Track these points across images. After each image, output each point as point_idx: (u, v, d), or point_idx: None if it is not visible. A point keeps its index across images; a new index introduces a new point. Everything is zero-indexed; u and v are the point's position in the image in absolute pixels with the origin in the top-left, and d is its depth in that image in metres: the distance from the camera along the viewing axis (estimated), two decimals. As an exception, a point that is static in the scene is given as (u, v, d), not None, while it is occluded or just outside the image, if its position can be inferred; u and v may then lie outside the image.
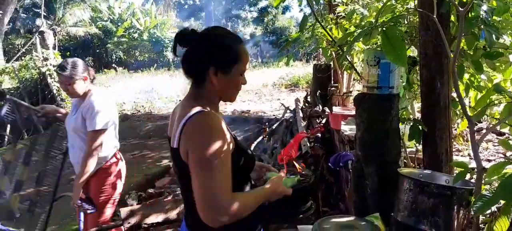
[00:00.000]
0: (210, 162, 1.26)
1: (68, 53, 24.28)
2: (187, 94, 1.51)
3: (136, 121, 11.38)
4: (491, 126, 2.16)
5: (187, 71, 1.47)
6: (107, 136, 2.87)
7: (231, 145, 1.36)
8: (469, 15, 1.84)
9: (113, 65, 27.25)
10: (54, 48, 12.59)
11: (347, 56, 3.06)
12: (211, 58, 1.40)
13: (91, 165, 2.81)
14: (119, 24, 28.74)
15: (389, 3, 2.02)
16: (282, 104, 8.52)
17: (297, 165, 2.09)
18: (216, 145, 1.27)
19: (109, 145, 2.96)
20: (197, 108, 1.36)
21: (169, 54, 28.84)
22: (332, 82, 5.72)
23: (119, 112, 12.69)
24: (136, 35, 28.87)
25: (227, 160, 1.31)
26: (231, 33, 1.50)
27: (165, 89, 16.45)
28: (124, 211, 4.04)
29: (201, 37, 1.44)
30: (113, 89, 16.61)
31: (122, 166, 3.17)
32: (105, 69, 25.97)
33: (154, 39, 28.66)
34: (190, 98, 1.47)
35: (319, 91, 5.52)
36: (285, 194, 1.57)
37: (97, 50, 28.98)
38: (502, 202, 1.45)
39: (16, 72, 11.47)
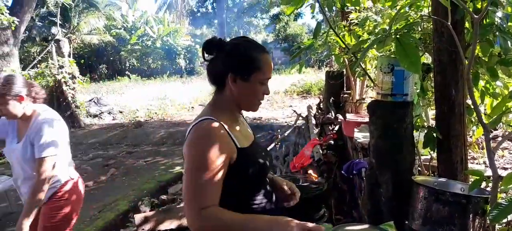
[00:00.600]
0: (191, 169, 1.34)
1: (83, 61, 24.68)
2: (210, 101, 1.56)
3: (150, 128, 11.48)
4: (507, 133, 2.14)
5: (209, 78, 1.52)
6: (59, 161, 2.41)
7: (226, 156, 1.37)
8: (484, 21, 1.83)
9: (127, 72, 27.60)
10: (69, 56, 12.79)
11: (361, 63, 3.05)
12: (230, 64, 1.44)
13: (40, 199, 2.32)
14: (132, 32, 29.13)
15: (402, 10, 2.01)
16: (294, 111, 8.50)
17: (311, 173, 2.09)
18: (202, 153, 1.32)
19: (62, 168, 2.48)
20: (204, 116, 1.42)
21: (182, 62, 29.11)
22: (345, 89, 5.70)
23: (132, 119, 12.90)
24: (149, 42, 29.21)
25: (212, 169, 1.32)
26: (255, 42, 1.53)
27: (178, 96, 16.60)
28: (138, 218, 4.08)
29: (224, 44, 1.48)
30: (127, 96, 16.82)
31: (79, 192, 2.63)
32: (118, 77, 26.33)
33: (167, 47, 28.96)
34: (209, 105, 1.53)
35: (332, 98, 5.51)
36: None
37: (111, 58, 29.39)
38: (519, 210, 1.43)
39: (32, 79, 11.68)
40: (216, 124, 1.39)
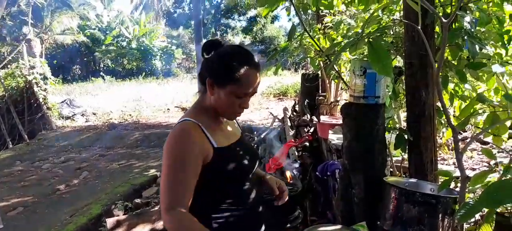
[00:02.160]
0: (164, 166, 1.36)
1: (55, 61, 24.05)
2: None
3: (124, 130, 11.29)
4: (475, 135, 2.20)
5: (198, 78, 1.57)
6: None
7: (199, 155, 1.38)
8: (453, 26, 1.88)
9: (101, 73, 27.02)
10: (41, 56, 12.48)
11: (334, 66, 3.09)
12: (209, 67, 1.45)
13: None
14: (107, 32, 28.56)
15: (375, 14, 2.05)
16: (271, 113, 8.52)
17: (287, 174, 2.10)
18: (175, 153, 1.36)
19: None
20: (185, 117, 1.46)
21: (158, 63, 28.73)
22: (320, 91, 5.75)
23: (106, 121, 12.65)
24: (124, 43, 28.70)
25: (183, 169, 1.35)
26: (247, 55, 1.47)
27: (153, 98, 16.38)
28: (110, 222, 3.99)
29: (215, 48, 1.48)
30: (101, 98, 16.49)
31: None
32: (92, 78, 25.74)
33: (142, 48, 28.50)
34: (194, 104, 1.55)
35: (307, 100, 5.55)
36: None
37: (85, 59, 28.74)
38: (486, 210, 1.47)
39: (2, 80, 11.32)
40: (191, 125, 1.42)
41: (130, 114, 13.76)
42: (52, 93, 14.48)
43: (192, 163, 1.36)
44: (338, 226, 1.77)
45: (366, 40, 1.58)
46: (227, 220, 1.47)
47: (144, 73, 27.07)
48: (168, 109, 14.83)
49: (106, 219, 4.10)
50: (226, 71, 1.41)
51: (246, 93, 1.44)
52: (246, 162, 1.55)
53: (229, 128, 1.63)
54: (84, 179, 6.59)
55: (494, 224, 1.45)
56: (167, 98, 16.56)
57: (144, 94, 17.15)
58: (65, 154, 8.68)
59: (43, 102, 11.61)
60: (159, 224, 4.07)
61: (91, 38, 27.65)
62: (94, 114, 13.92)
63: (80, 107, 14.13)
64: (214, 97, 1.46)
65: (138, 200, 5.22)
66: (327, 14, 3.80)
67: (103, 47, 28.16)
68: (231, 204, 1.50)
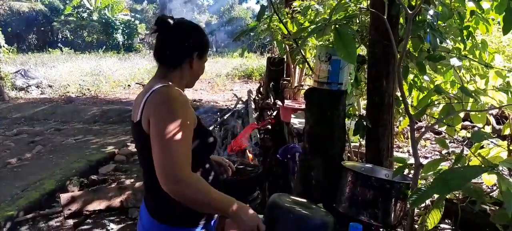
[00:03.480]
0: (172, 130, 1.25)
1: (10, 29, 22.74)
2: (153, 77, 1.49)
3: (81, 104, 10.91)
4: (430, 124, 2.30)
5: (160, 56, 1.47)
6: None
7: (194, 121, 1.37)
8: (417, 18, 1.93)
9: (59, 44, 25.86)
10: (-7, 22, 11.74)
11: (301, 50, 3.11)
12: (195, 44, 1.46)
13: None
14: (67, 2, 27.29)
15: (343, 1, 2.07)
16: (235, 95, 8.51)
17: (249, 155, 2.11)
18: (179, 115, 1.28)
19: None
20: (162, 84, 1.38)
21: (120, 37, 27.83)
22: (285, 76, 5.79)
23: (63, 94, 12.17)
24: (85, 15, 27.56)
25: (189, 133, 1.31)
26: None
27: (113, 73, 15.89)
28: (64, 197, 3.87)
29: (181, 24, 1.47)
30: (58, 70, 15.81)
31: None
32: (49, 49, 24.60)
33: (104, 20, 27.48)
34: (156, 79, 1.45)
35: (272, 83, 5.58)
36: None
37: (42, 28, 27.40)
38: (436, 196, 1.54)
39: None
40: (179, 90, 1.38)
41: (89, 89, 13.30)
42: (6, 63, 13.72)
43: (191, 124, 1.34)
44: (304, 199, 1.80)
45: (333, 26, 1.59)
46: None
47: (104, 47, 26.16)
48: (128, 85, 14.45)
49: (60, 195, 3.97)
50: (205, 42, 1.51)
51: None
52: (212, 139, 1.54)
53: None
54: (37, 153, 6.33)
55: (443, 209, 1.53)
56: (128, 74, 16.13)
57: (104, 68, 16.60)
58: (17, 127, 8.28)
59: (-6, 71, 10.99)
60: (116, 201, 4.00)
61: (50, 7, 26.37)
62: (50, 86, 13.35)
63: (35, 79, 13.50)
64: (194, 71, 1.49)
65: (94, 177, 5.09)
66: (295, -1, 3.80)
67: (62, 17, 26.94)
68: (207, 172, 1.51)
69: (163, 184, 1.24)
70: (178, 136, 1.25)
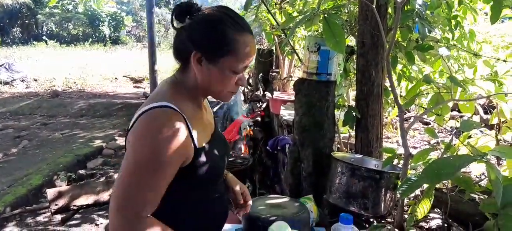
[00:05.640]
0: (135, 164, 1.06)
1: (-8, 21, 22.28)
2: (170, 77, 1.28)
3: (67, 98, 10.76)
4: (419, 114, 2.30)
5: (173, 52, 1.24)
6: None
7: (181, 157, 1.13)
8: (406, 8, 1.93)
9: (44, 37, 25.40)
10: (-26, 14, 11.47)
11: (289, 41, 3.09)
12: (195, 38, 1.16)
13: None
14: (51, -7, 26.79)
15: (331, -9, 2.05)
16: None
17: (241, 147, 2.08)
18: (154, 150, 1.06)
19: None
20: (162, 102, 1.13)
21: (106, 30, 27.45)
22: (274, 67, 5.77)
23: (48, 88, 11.98)
24: (70, 7, 27.09)
25: (162, 172, 1.08)
26: (238, 17, 1.20)
27: (100, 66, 15.69)
28: (51, 193, 3.82)
29: (196, 11, 1.18)
30: (43, 63, 15.55)
31: None
32: (34, 42, 24.15)
33: (90, 13, 27.04)
34: (168, 84, 1.24)
35: (261, 75, 5.56)
36: None
37: (27, 21, 26.82)
38: (426, 185, 1.55)
39: None
40: (176, 116, 1.11)
41: (75, 82, 13.11)
42: (-12, 56, 13.45)
43: (172, 165, 1.10)
44: (286, 198, 1.80)
45: (321, 16, 1.58)
46: None
47: (90, 40, 25.79)
48: (115, 78, 14.28)
49: (47, 190, 3.92)
50: (219, 41, 1.14)
51: (244, 67, 1.20)
52: (223, 161, 1.34)
53: (208, 118, 1.37)
54: (23, 148, 6.23)
55: (433, 199, 1.53)
56: (115, 67, 15.92)
57: (90, 61, 16.36)
58: (2, 121, 8.13)
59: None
60: (104, 196, 3.96)
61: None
62: (36, 80, 13.12)
63: (20, 73, 13.23)
64: (202, 76, 1.18)
65: (82, 171, 5.04)
66: (283, -11, 3.77)
67: (47, 9, 26.43)
68: (193, 214, 1.27)
69: (111, 210, 1.05)
70: (137, 178, 1.05)
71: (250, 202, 1.52)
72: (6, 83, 12.36)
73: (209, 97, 1.34)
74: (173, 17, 1.18)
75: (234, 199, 1.50)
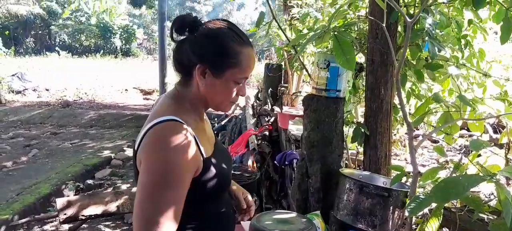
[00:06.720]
0: (152, 183, 1.06)
1: (7, 32, 22.71)
2: (171, 90, 1.29)
3: (78, 108, 10.88)
4: (427, 133, 2.30)
5: (174, 65, 1.25)
6: None
7: (193, 168, 1.14)
8: (415, 27, 1.94)
9: (57, 48, 25.83)
10: (-10, 24, 11.73)
11: (299, 57, 3.11)
12: (200, 52, 1.17)
13: None
14: (65, 5, 27.27)
15: (341, 9, 2.07)
16: (232, 101, 8.47)
17: (249, 162, 2.09)
18: (168, 165, 1.07)
19: None
20: (167, 116, 1.14)
21: (117, 42, 27.84)
22: (283, 82, 5.79)
23: (60, 98, 12.12)
24: (83, 19, 27.57)
25: (179, 186, 1.08)
26: (239, 31, 1.24)
27: (111, 78, 15.87)
28: (60, 202, 3.83)
29: (199, 25, 1.20)
30: (55, 74, 15.78)
31: None
32: (47, 52, 24.57)
33: (102, 25, 27.49)
34: (169, 99, 1.26)
35: (270, 89, 5.58)
36: None
37: (40, 32, 27.37)
38: (434, 204, 1.54)
39: None
40: (182, 128, 1.12)
41: (86, 93, 13.26)
42: (3, 66, 13.67)
43: (187, 176, 1.11)
44: (293, 213, 1.80)
45: (332, 33, 1.59)
46: None
47: (102, 51, 26.16)
48: (126, 90, 14.42)
49: (56, 199, 3.94)
50: (224, 54, 1.17)
51: (245, 77, 1.24)
52: (229, 170, 1.35)
53: (209, 129, 1.38)
54: (33, 156, 6.30)
55: (441, 218, 1.52)
56: (125, 78, 16.10)
57: (101, 73, 16.59)
58: (13, 130, 8.25)
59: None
60: (113, 206, 3.97)
61: (48, 11, 26.35)
62: (47, 90, 13.30)
63: (32, 82, 13.45)
64: (205, 88, 1.20)
65: (90, 181, 5.07)
66: (294, 5, 3.82)
67: (60, 21, 26.94)
68: (203, 228, 1.27)
69: None
70: (163, 194, 1.05)
71: (253, 206, 1.55)
72: (18, 92, 12.55)
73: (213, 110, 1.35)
74: (173, 30, 1.21)
75: (237, 205, 1.52)
